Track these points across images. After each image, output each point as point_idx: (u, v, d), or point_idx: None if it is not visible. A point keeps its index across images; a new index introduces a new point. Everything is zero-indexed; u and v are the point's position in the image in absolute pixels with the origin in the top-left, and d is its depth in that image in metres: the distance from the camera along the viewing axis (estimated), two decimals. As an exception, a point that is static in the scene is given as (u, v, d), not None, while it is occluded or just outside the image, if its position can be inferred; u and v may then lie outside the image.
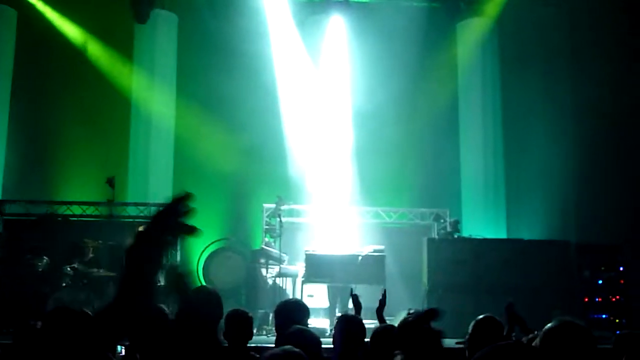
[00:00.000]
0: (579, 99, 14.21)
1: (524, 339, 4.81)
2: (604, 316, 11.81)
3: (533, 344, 3.47)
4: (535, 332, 4.79)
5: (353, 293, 6.08)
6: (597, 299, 11.88)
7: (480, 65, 15.06)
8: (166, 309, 4.09)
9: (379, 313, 5.80)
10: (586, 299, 11.74)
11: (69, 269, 10.94)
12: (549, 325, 3.10)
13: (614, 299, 11.93)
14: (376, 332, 4.76)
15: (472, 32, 15.10)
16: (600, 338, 3.30)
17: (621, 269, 12.02)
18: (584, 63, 13.80)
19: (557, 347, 3.01)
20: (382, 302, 5.79)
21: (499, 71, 15.06)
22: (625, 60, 13.51)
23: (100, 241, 11.54)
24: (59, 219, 13.28)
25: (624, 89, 13.50)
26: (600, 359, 3.12)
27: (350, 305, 11.26)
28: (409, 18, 14.33)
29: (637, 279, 12.10)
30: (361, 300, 5.93)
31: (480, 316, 4.69)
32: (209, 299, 4.46)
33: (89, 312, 3.57)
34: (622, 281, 12.00)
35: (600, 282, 11.99)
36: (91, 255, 11.29)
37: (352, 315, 5.16)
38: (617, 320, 11.74)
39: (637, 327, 11.45)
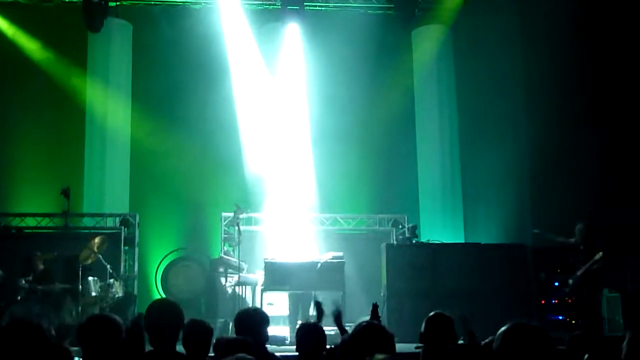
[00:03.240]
0: (533, 103, 14.41)
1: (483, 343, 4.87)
2: (560, 317, 11.98)
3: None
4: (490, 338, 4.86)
5: (316, 300, 6.08)
6: (553, 301, 12.05)
7: (436, 72, 15.21)
8: (120, 320, 4.03)
9: (338, 321, 5.82)
10: (543, 301, 11.88)
11: (23, 282, 10.77)
12: (504, 327, 3.12)
13: (569, 301, 12.10)
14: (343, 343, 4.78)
15: (427, 39, 15.24)
16: (557, 339, 3.32)
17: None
18: (537, 68, 13.98)
19: (514, 349, 3.04)
20: (373, 315, 5.81)
21: (454, 77, 15.22)
22: (578, 63, 13.74)
23: (55, 253, 11.39)
24: (13, 231, 13.08)
25: (577, 91, 13.72)
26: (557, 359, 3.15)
27: (312, 312, 11.34)
28: (364, 25, 14.39)
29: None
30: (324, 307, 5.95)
31: (431, 313, 4.83)
32: (168, 309, 4.42)
33: (43, 326, 3.50)
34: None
35: (556, 283, 12.16)
36: (42, 267, 11.13)
37: (312, 323, 5.16)
38: (573, 322, 11.91)
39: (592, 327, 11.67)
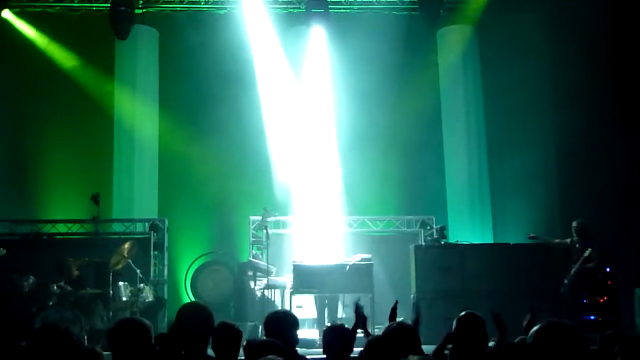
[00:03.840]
0: (561, 103, 14.28)
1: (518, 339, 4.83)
2: (592, 317, 11.85)
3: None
4: (520, 337, 4.81)
5: (357, 303, 6.01)
6: (584, 301, 11.92)
7: (462, 72, 15.14)
8: (149, 323, 4.06)
9: (364, 326, 5.80)
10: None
11: (55, 287, 10.87)
12: (537, 326, 3.09)
13: (602, 300, 11.97)
14: (370, 342, 4.77)
15: (453, 39, 15.18)
16: (590, 339, 3.29)
17: (608, 269, 12.06)
18: (564, 67, 13.87)
19: (548, 347, 3.01)
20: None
21: (480, 77, 15.14)
22: (606, 62, 13.59)
23: (86, 259, 11.49)
24: (44, 237, 13.22)
25: (605, 91, 13.57)
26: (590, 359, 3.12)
27: (340, 314, 11.33)
28: (389, 26, 14.37)
29: (624, 280, 12.16)
30: (349, 308, 5.91)
31: (462, 313, 4.78)
32: (199, 313, 4.44)
33: (74, 331, 3.56)
34: (609, 282, 12.05)
35: (587, 283, 12.02)
36: (77, 272, 11.24)
37: (339, 325, 5.14)
38: (605, 321, 11.77)
39: (626, 327, 11.55)
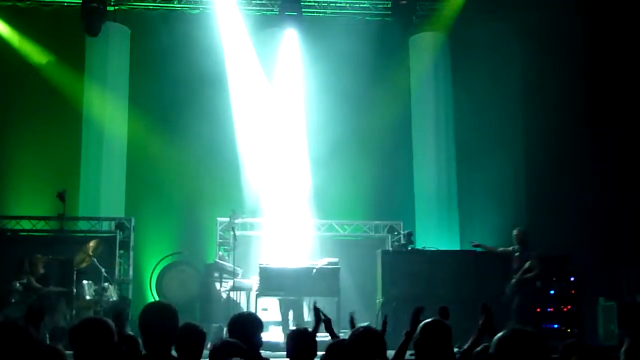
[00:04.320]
0: (530, 111, 14.43)
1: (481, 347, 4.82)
2: (555, 326, 11.97)
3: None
4: (483, 345, 4.80)
5: (315, 306, 5.98)
6: (548, 309, 12.03)
7: (433, 78, 15.22)
8: (112, 323, 4.01)
9: (329, 328, 5.74)
10: (538, 309, 11.87)
11: (17, 284, 10.74)
12: (500, 333, 3.09)
13: (565, 309, 12.10)
14: (331, 346, 4.74)
15: (425, 46, 15.27)
16: (553, 348, 3.30)
17: (572, 279, 12.20)
18: (534, 75, 14.01)
19: (511, 355, 3.01)
20: (351, 324, 5.55)
21: (451, 84, 15.23)
22: (577, 72, 13.74)
23: (50, 256, 11.37)
24: (8, 233, 13.05)
25: (575, 99, 13.72)
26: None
27: (307, 318, 11.31)
28: (362, 31, 14.41)
29: (588, 289, 12.31)
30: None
31: (428, 320, 4.62)
32: (164, 313, 4.38)
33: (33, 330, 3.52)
34: (573, 291, 12.19)
35: (552, 292, 12.15)
36: (42, 270, 11.11)
37: (303, 329, 5.12)
38: (569, 330, 11.90)
39: (588, 336, 11.68)
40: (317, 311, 5.83)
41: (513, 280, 11.16)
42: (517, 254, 11.29)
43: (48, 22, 14.61)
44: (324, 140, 14.37)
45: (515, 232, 11.44)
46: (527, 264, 11.08)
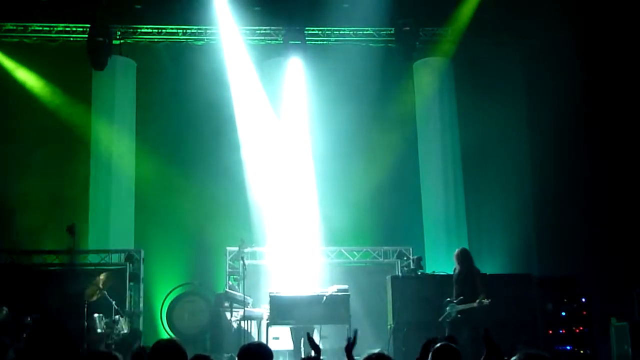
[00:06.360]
0: (536, 135, 14.43)
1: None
2: (568, 348, 11.89)
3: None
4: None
5: (308, 335, 5.98)
6: (560, 331, 11.96)
7: (438, 104, 15.28)
8: (121, 357, 4.04)
9: (349, 351, 5.73)
10: (550, 331, 11.81)
11: (29, 319, 10.75)
12: (514, 357, 3.11)
13: (577, 330, 12.02)
14: None
15: (429, 71, 15.35)
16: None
17: (583, 300, 12.15)
18: (539, 99, 14.04)
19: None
20: (353, 342, 5.62)
21: (456, 109, 15.27)
22: (581, 96, 13.75)
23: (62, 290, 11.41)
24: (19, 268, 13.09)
25: (579, 125, 13.71)
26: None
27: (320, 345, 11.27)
28: (366, 58, 14.52)
29: (600, 310, 12.24)
30: (327, 340, 5.86)
31: (438, 344, 4.69)
32: (172, 351, 4.41)
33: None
34: (584, 312, 12.13)
35: (563, 314, 12.09)
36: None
37: (314, 357, 5.12)
38: (581, 352, 11.83)
39: (602, 358, 11.61)
40: (311, 341, 5.83)
41: (458, 308, 10.74)
42: (460, 274, 10.98)
43: (55, 57, 14.76)
44: (331, 167, 14.43)
45: (456, 252, 11.19)
46: (485, 302, 10.48)
